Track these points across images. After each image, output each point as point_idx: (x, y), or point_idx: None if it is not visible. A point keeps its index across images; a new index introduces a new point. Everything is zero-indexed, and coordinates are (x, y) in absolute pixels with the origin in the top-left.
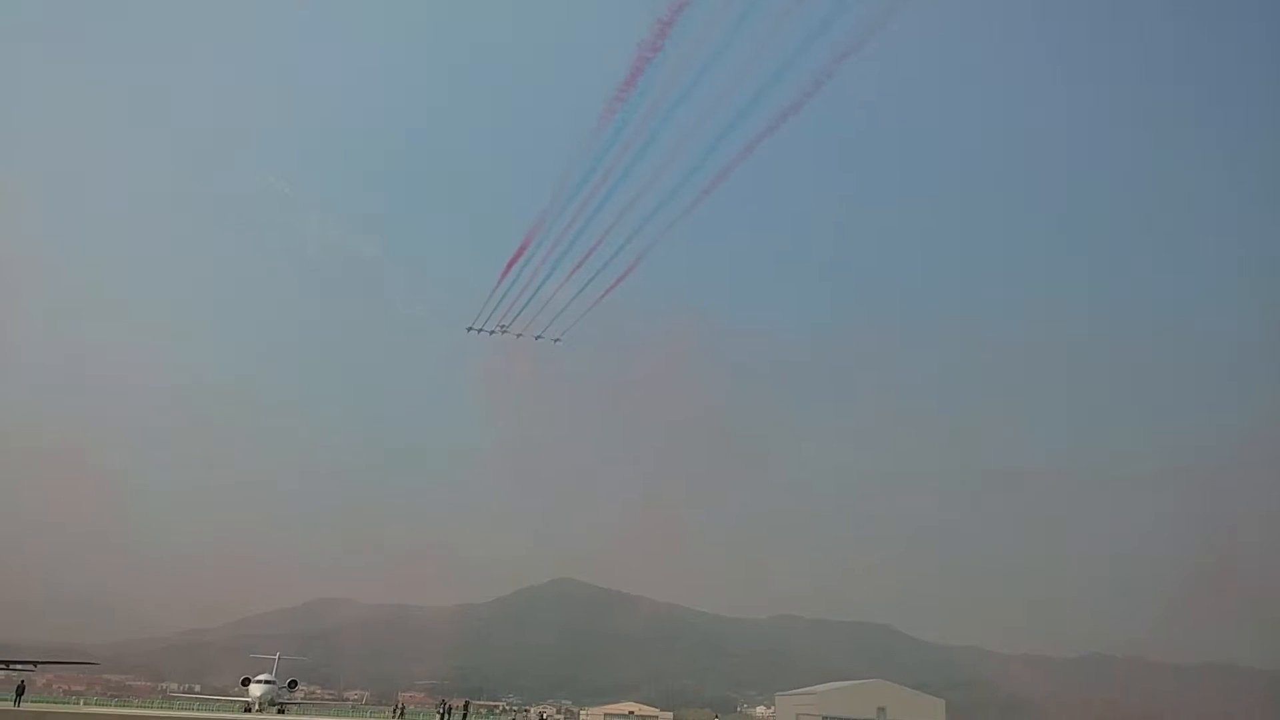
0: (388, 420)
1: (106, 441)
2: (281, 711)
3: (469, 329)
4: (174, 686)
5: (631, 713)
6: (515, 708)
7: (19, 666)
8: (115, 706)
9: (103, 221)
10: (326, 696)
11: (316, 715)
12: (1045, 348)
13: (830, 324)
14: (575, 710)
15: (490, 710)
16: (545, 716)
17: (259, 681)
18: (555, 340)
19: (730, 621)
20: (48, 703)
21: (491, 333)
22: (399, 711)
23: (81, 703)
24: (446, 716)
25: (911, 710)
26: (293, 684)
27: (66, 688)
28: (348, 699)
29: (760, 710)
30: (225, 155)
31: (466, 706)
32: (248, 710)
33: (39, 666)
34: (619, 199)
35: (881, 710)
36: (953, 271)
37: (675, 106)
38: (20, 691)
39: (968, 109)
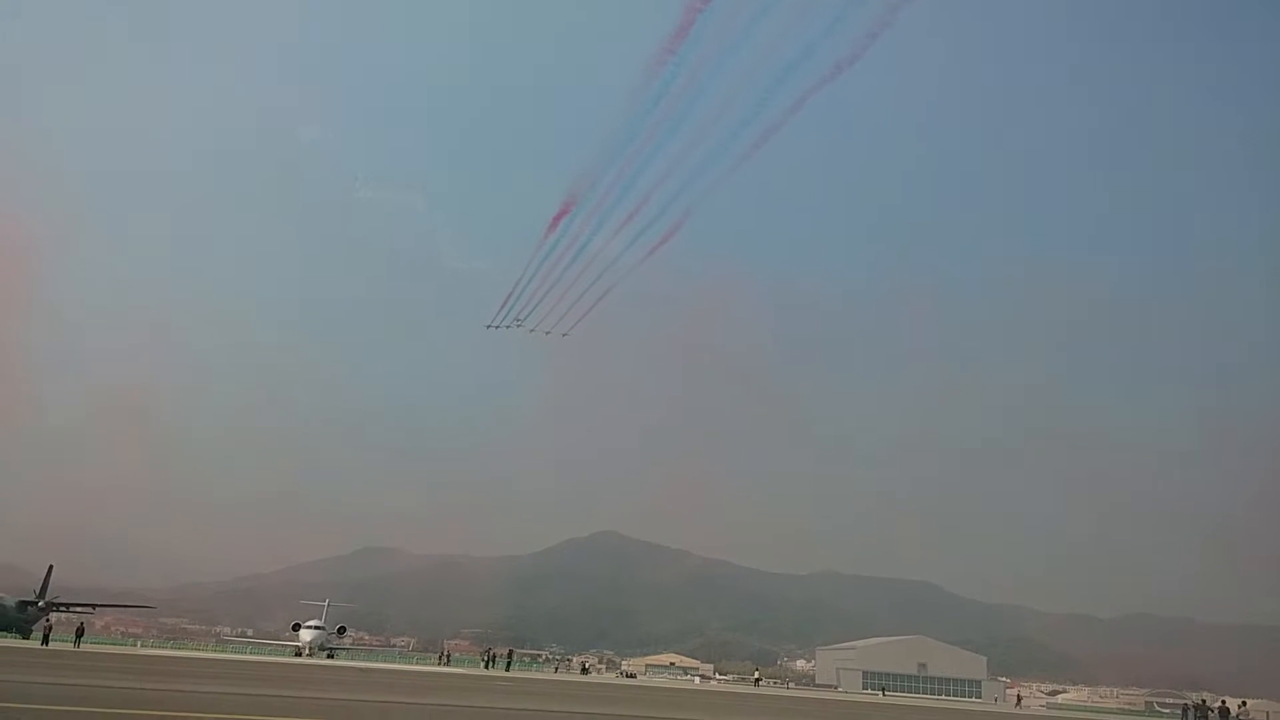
0: (436, 375)
1: (164, 396)
2: (331, 656)
3: (488, 326)
4: (227, 630)
5: (673, 664)
6: (558, 657)
7: (78, 609)
8: (171, 649)
9: (157, 180)
10: (374, 643)
11: (365, 660)
12: (1095, 306)
13: (877, 279)
14: (617, 660)
15: (534, 659)
16: (587, 666)
17: (309, 627)
18: (563, 334)
19: (772, 577)
20: (106, 644)
21: (508, 327)
22: (445, 658)
23: (139, 645)
24: (491, 664)
25: (953, 666)
26: (341, 630)
27: (124, 630)
28: (395, 645)
29: (801, 664)
30: (271, 110)
31: (510, 655)
32: (298, 655)
33: (97, 609)
34: (667, 153)
35: (922, 665)
36: (1010, 227)
37: (726, 58)
38: (79, 633)
39: (1031, 66)
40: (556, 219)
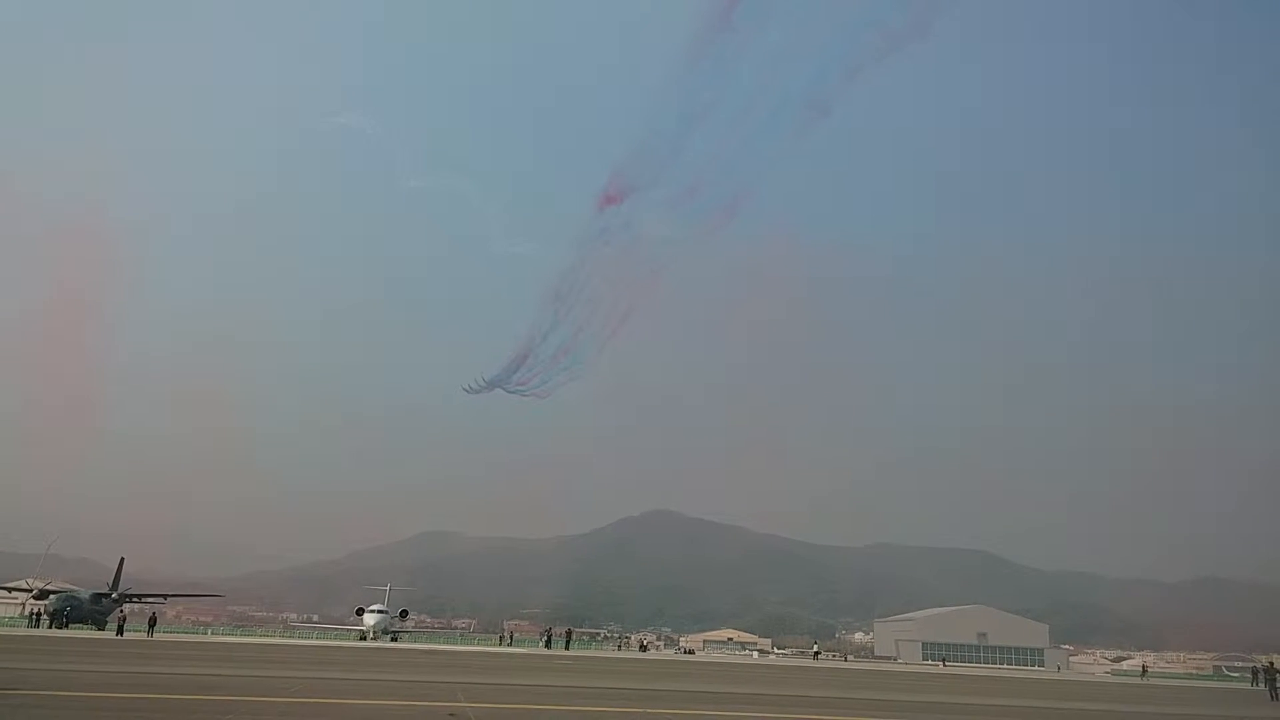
0: (489, 359)
1: (229, 395)
2: (394, 640)
3: (464, 389)
4: (293, 616)
5: (730, 639)
6: (616, 635)
7: (151, 599)
8: (240, 635)
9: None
10: (436, 625)
11: (427, 643)
12: (1156, 284)
13: (931, 246)
14: (675, 637)
15: (592, 638)
16: (645, 644)
17: (372, 611)
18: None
19: (828, 549)
20: (178, 632)
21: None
22: (508, 639)
23: (209, 633)
24: (550, 644)
25: (1014, 635)
26: (404, 613)
27: (195, 619)
28: (456, 628)
29: (859, 636)
30: (307, 96)
31: (569, 634)
32: (362, 639)
33: (169, 599)
34: (715, 132)
35: (982, 635)
36: (1096, 198)
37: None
38: (152, 623)
39: (1093, 42)
40: (606, 201)
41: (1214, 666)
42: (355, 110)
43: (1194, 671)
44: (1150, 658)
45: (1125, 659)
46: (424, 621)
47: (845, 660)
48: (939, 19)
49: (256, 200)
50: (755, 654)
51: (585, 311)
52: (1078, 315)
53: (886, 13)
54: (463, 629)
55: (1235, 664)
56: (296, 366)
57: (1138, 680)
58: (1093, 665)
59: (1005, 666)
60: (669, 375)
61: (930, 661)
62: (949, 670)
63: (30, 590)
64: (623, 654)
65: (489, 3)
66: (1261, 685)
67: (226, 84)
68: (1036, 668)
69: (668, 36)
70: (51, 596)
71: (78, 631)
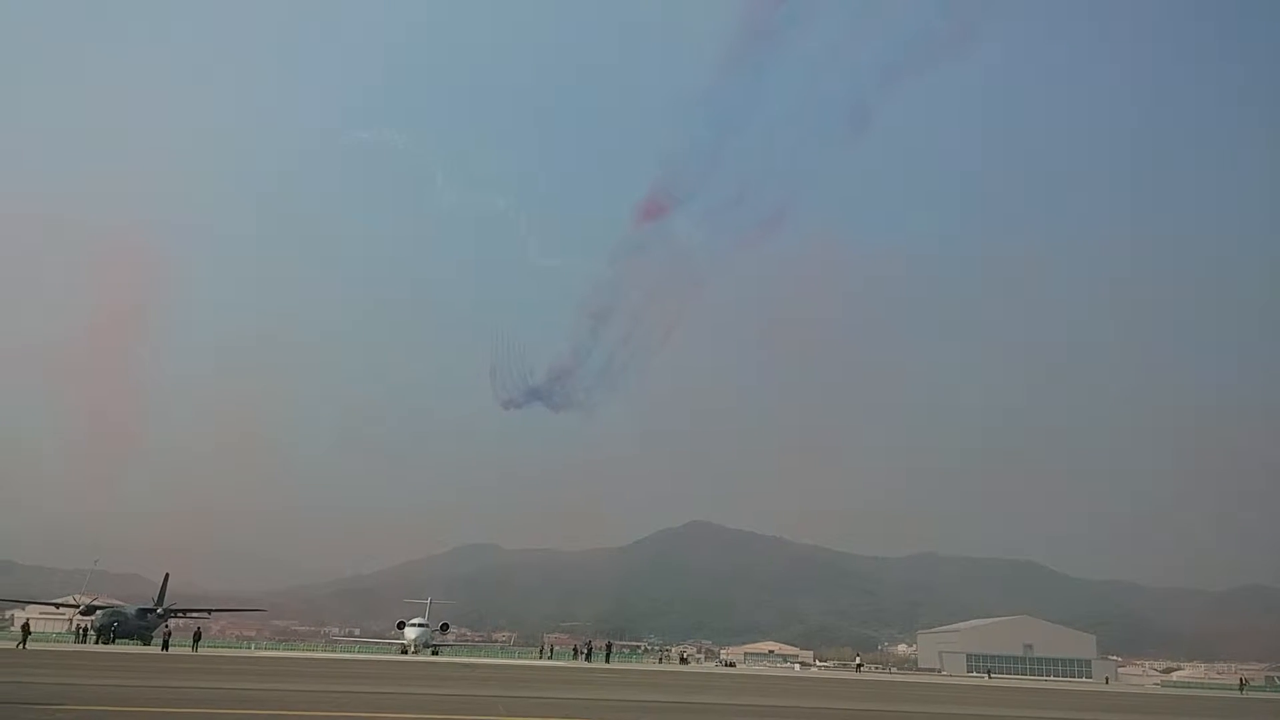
0: (525, 370)
1: (268, 413)
2: (435, 653)
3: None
4: (335, 631)
5: (771, 651)
6: (656, 647)
7: (194, 614)
8: (283, 649)
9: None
10: (476, 639)
11: (468, 656)
12: (1199, 285)
13: (972, 253)
14: (715, 650)
15: (633, 650)
16: (686, 656)
17: (413, 625)
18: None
19: (870, 560)
20: (222, 647)
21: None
22: (549, 652)
23: (252, 647)
24: (588, 656)
25: (1060, 646)
26: (444, 627)
27: (239, 633)
28: (496, 641)
29: (902, 648)
30: (340, 111)
31: (609, 647)
32: (404, 652)
33: (213, 614)
34: (749, 143)
35: (1028, 646)
36: (1140, 201)
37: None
38: (197, 638)
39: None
40: (646, 214)
41: (1266, 677)
42: (387, 125)
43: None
44: (1201, 669)
45: (1175, 670)
46: (465, 635)
47: (889, 672)
48: (980, 29)
49: (292, 217)
50: (796, 667)
51: (627, 324)
52: (1113, 317)
53: (929, 22)
54: (503, 642)
55: None
56: (337, 382)
57: (1198, 693)
58: (1142, 677)
59: (1052, 678)
60: (709, 384)
61: (975, 674)
62: (994, 683)
63: (77, 606)
64: (663, 666)
65: (519, 15)
66: None
67: (262, 103)
68: (1085, 679)
69: (705, 46)
70: (98, 612)
71: (124, 647)
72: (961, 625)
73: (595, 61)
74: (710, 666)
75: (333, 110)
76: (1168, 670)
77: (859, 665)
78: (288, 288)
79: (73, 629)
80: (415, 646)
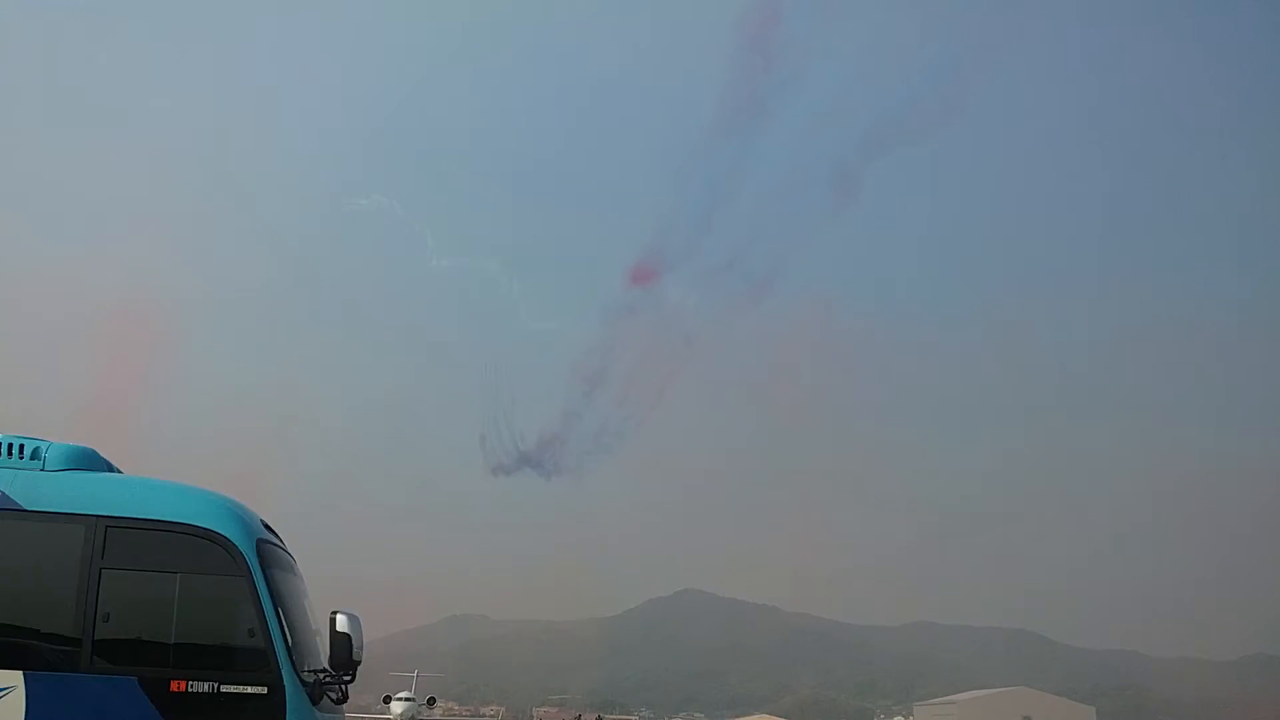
0: (516, 436)
1: (257, 480)
2: None
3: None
4: None
5: None
6: None
7: None
8: None
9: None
10: (464, 712)
11: None
12: (1202, 342)
13: (959, 319)
14: None
15: None
16: None
17: (400, 699)
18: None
19: (864, 629)
20: None
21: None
22: None
23: None
24: None
25: (1059, 717)
26: (432, 700)
27: None
28: (484, 715)
29: None
30: (334, 180)
31: None
32: None
33: None
34: (734, 209)
35: (1027, 718)
36: (1146, 257)
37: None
38: None
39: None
40: (634, 279)
41: None
42: (381, 192)
43: None
44: None
45: None
46: (452, 709)
47: None
48: (967, 100)
49: (287, 283)
50: None
51: (617, 389)
52: (1112, 380)
53: (917, 92)
54: (491, 716)
55: None
56: (321, 450)
57: None
58: None
59: None
60: (699, 448)
61: None
62: None
63: None
64: None
65: (508, 80)
66: None
67: (258, 168)
68: None
69: (693, 113)
70: None
71: None
72: (959, 697)
73: (587, 125)
74: None
75: (329, 181)
76: None
77: None
78: (282, 358)
79: None
80: None
